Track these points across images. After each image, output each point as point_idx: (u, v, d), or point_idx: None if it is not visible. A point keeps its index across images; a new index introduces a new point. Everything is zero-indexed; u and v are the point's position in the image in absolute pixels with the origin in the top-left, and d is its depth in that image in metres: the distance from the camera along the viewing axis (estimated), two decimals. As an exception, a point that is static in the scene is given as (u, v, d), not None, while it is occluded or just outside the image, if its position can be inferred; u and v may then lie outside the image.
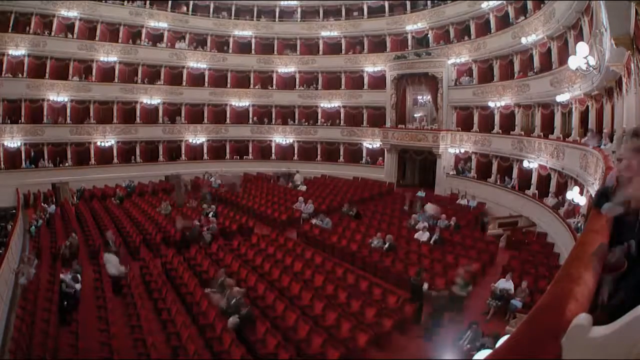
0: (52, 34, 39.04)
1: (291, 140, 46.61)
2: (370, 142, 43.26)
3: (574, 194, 19.67)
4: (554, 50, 27.33)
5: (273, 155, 47.04)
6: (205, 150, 45.52)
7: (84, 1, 40.05)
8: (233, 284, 17.09)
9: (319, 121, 46.54)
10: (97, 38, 40.95)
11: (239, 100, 46.56)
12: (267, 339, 14.01)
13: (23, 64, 37.98)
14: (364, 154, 44.13)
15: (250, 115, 47.08)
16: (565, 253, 18.99)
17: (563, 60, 24.49)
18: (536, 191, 27.40)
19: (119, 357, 13.00)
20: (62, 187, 35.56)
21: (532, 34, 29.07)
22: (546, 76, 27.51)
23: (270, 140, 46.89)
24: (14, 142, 36.94)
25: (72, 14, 39.77)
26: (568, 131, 25.19)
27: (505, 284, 17.51)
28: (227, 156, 46.37)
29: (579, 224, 18.58)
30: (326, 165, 44.66)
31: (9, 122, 37.12)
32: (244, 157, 46.80)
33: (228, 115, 46.56)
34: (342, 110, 45.51)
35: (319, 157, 46.11)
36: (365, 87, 44.49)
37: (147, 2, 43.34)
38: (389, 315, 15.62)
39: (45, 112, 38.55)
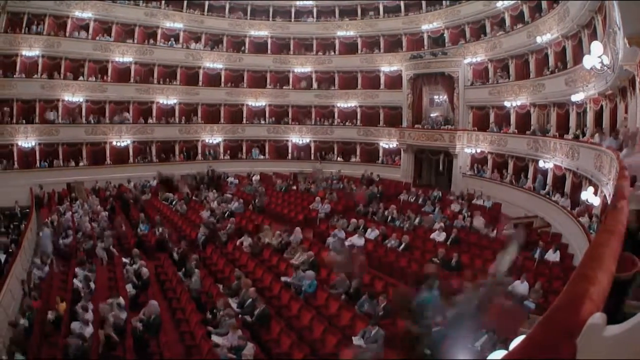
0: (67, 35, 39.38)
1: (308, 140, 46.63)
2: (387, 141, 43.21)
3: (588, 194, 19.58)
4: (568, 49, 27.16)
5: (289, 155, 47.06)
6: (221, 150, 45.63)
7: (98, 2, 40.38)
8: (249, 284, 17.13)
9: (336, 121, 46.49)
10: (112, 39, 41.25)
11: (256, 100, 46.68)
12: (282, 338, 14.02)
13: (37, 65, 38.35)
14: (381, 154, 44.06)
15: (267, 115, 47.14)
16: (579, 253, 18.95)
17: (578, 59, 24.41)
18: (551, 191, 27.27)
19: (131, 357, 13.02)
20: (77, 186, 35.67)
21: (547, 33, 28.87)
22: (561, 75, 27.40)
23: (287, 140, 46.94)
24: (28, 142, 37.28)
25: (87, 14, 40.06)
26: (583, 131, 25.08)
27: (521, 286, 17.36)
28: (244, 156, 46.54)
29: (594, 225, 18.49)
30: (343, 165, 44.42)
31: (23, 122, 37.45)
32: (262, 156, 46.96)
33: (244, 115, 46.66)
34: (358, 110, 45.50)
35: (335, 156, 46.03)
36: (382, 86, 44.41)
37: (162, 2, 43.51)
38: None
39: (60, 112, 38.90)
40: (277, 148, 47.34)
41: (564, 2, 26.36)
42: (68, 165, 38.68)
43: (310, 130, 46.59)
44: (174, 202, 33.33)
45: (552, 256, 20.26)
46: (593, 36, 22.65)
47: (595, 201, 19.15)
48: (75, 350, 12.90)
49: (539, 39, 29.54)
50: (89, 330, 13.97)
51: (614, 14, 14.96)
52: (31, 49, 37.74)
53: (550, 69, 29.55)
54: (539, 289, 16.77)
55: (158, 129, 42.78)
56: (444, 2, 40.37)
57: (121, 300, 15.99)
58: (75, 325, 14.05)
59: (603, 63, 15.21)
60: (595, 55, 15.01)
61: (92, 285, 18.40)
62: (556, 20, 27.90)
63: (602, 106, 22.33)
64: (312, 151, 46.75)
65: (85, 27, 40.53)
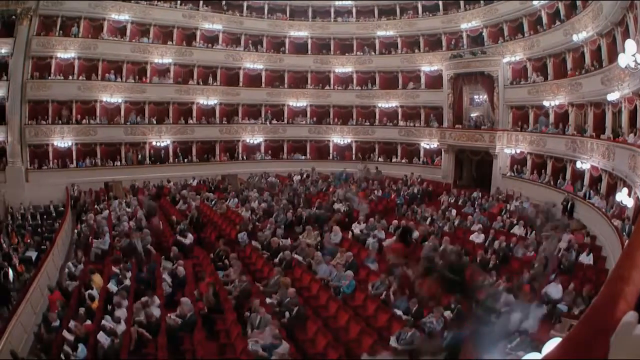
0: (104, 37, 39.95)
1: (349, 140, 46.72)
2: (428, 142, 43.10)
3: (622, 196, 19.34)
4: (603, 47, 26.81)
5: (330, 155, 47.14)
6: (262, 150, 45.88)
7: (135, 4, 40.99)
8: (288, 283, 17.14)
9: (377, 121, 46.47)
10: (150, 40, 41.81)
11: (297, 100, 46.94)
12: (317, 338, 14.01)
13: (73, 67, 39.02)
14: (422, 154, 43.96)
15: (308, 115, 47.33)
16: (612, 255, 18.77)
17: (612, 57, 24.13)
18: (588, 192, 26.98)
19: (163, 354, 13.03)
20: (115, 185, 36.08)
21: (583, 31, 28.47)
22: (597, 74, 27.05)
23: (328, 140, 47.11)
24: (64, 142, 38.05)
25: (124, 17, 40.63)
26: (618, 131, 24.79)
27: (555, 288, 17.18)
28: (285, 156, 46.72)
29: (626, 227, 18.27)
30: (383, 165, 44.32)
31: (59, 122, 38.17)
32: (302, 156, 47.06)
33: (285, 115, 46.93)
34: (399, 110, 45.40)
35: (377, 157, 46.03)
36: (422, 86, 44.27)
37: (201, 2, 43.90)
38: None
39: (98, 113, 39.53)
40: (318, 148, 47.43)
41: (596, 1, 26.15)
42: (106, 165, 39.25)
43: (351, 131, 46.65)
44: (214, 202, 33.49)
45: (586, 259, 20.08)
46: (626, 34, 22.34)
47: (629, 203, 18.91)
48: (106, 347, 13.00)
49: (575, 37, 29.15)
50: (120, 328, 14.04)
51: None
52: (66, 51, 38.36)
53: (585, 68, 29.26)
54: (571, 291, 16.61)
55: (198, 129, 43.16)
56: (481, 0, 40.17)
57: (156, 298, 16.06)
58: (106, 323, 14.11)
59: (637, 61, 15.02)
60: (630, 54, 14.83)
61: (127, 283, 18.51)
62: (591, 18, 27.50)
63: (636, 105, 22.07)
64: (354, 151, 46.75)
65: (123, 30, 41.06)
